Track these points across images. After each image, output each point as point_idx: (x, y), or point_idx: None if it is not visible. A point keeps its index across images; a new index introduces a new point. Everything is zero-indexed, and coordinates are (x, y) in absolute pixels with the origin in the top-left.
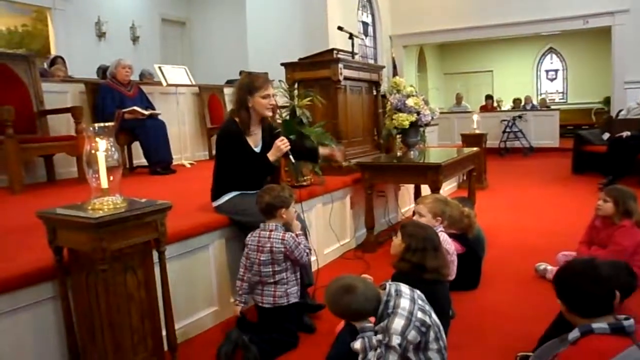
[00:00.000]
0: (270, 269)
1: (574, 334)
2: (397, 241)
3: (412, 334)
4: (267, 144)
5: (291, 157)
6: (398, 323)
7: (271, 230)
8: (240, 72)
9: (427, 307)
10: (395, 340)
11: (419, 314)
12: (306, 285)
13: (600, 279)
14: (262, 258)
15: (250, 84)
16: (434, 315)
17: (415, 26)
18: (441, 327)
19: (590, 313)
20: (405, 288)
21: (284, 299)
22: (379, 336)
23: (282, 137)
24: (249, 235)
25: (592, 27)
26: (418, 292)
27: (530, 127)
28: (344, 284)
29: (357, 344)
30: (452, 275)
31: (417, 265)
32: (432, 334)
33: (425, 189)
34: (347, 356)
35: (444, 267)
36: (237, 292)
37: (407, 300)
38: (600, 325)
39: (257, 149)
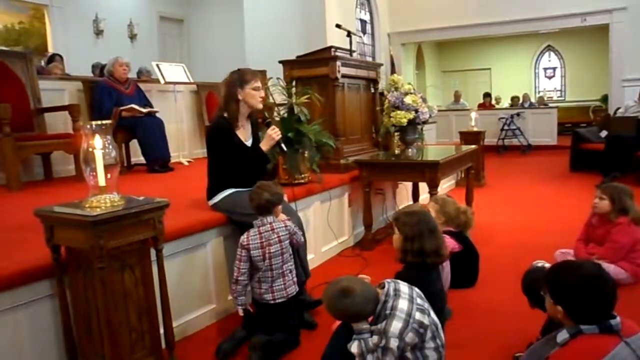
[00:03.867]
0: (280, 260)
1: (563, 335)
2: (396, 235)
3: (409, 336)
4: (257, 139)
5: (282, 145)
6: (396, 326)
7: (271, 223)
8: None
9: (426, 305)
10: (393, 343)
11: (417, 315)
12: (303, 282)
13: (607, 283)
14: (272, 250)
15: (240, 78)
16: (432, 314)
17: (413, 24)
18: (439, 325)
19: (593, 320)
20: (404, 287)
21: (292, 288)
22: (375, 338)
23: (273, 126)
24: (245, 237)
25: (590, 25)
26: (417, 290)
27: (528, 125)
28: (341, 288)
29: (353, 348)
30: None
31: (418, 251)
32: (429, 333)
33: (423, 187)
34: (343, 354)
35: (442, 247)
36: (233, 296)
37: (405, 301)
38: (589, 325)
39: (248, 143)
